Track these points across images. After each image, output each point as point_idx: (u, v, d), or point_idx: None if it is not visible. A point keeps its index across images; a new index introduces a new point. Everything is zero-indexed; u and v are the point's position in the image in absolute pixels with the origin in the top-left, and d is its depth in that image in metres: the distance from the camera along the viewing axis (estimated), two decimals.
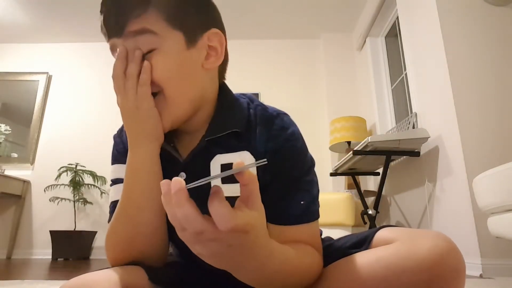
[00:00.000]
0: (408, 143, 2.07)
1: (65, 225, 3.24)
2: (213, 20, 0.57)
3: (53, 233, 3.02)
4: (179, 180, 0.32)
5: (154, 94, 0.52)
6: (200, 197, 0.35)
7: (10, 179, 3.18)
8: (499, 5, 1.97)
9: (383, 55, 3.29)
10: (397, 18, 2.76)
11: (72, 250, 3.01)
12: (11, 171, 3.36)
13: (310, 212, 0.55)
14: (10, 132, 3.52)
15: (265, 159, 0.35)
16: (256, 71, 3.72)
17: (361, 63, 3.52)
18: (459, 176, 1.80)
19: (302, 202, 0.54)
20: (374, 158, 2.33)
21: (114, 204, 0.58)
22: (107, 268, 0.49)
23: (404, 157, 2.40)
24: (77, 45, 3.90)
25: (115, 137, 0.65)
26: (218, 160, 0.55)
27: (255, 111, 0.59)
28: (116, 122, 3.90)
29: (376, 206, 2.20)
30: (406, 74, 2.62)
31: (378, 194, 2.20)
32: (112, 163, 0.63)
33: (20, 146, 3.58)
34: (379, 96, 3.17)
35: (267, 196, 0.54)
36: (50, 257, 3.04)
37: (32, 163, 3.52)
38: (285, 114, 0.60)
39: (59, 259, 2.98)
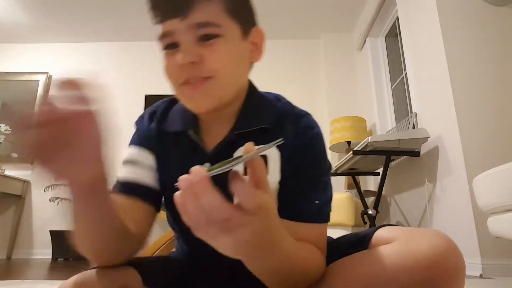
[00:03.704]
0: (408, 143, 2.07)
1: (65, 225, 3.24)
2: (256, 17, 0.60)
3: (53, 233, 3.02)
4: (200, 169, 0.31)
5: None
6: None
7: (10, 179, 3.18)
8: (499, 5, 1.97)
9: (383, 55, 3.29)
10: (397, 18, 2.76)
11: (72, 250, 2.99)
12: (11, 171, 3.36)
13: (322, 214, 0.55)
14: (10, 132, 3.52)
15: (282, 138, 0.33)
16: (256, 70, 3.70)
17: (361, 63, 3.52)
18: (459, 176, 1.80)
19: (317, 202, 0.54)
20: (374, 158, 2.33)
21: (119, 183, 0.57)
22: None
23: (404, 157, 2.40)
24: (77, 45, 3.89)
25: (136, 122, 0.65)
26: (242, 152, 0.55)
27: (283, 108, 0.61)
28: (115, 122, 3.93)
29: (376, 206, 2.20)
30: (406, 74, 2.62)
31: (378, 194, 2.20)
32: (130, 144, 0.61)
33: None
34: (379, 96, 3.17)
35: (285, 190, 0.55)
36: (50, 257, 3.04)
37: (32, 163, 3.51)
38: (310, 114, 0.62)
39: (59, 259, 2.99)
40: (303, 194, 0.54)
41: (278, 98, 0.63)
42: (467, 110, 1.84)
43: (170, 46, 0.52)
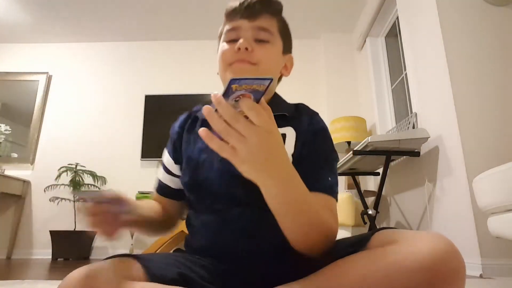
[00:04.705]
0: (408, 143, 2.07)
1: (65, 225, 3.24)
2: (291, 48, 0.83)
3: (53, 233, 3.02)
4: (216, 96, 0.42)
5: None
6: None
7: (10, 179, 3.18)
8: (499, 5, 1.97)
9: (383, 55, 3.29)
10: (397, 18, 2.76)
11: (72, 250, 3.01)
12: (11, 171, 3.36)
13: (334, 191, 0.64)
14: (10, 132, 3.52)
15: (271, 77, 0.42)
16: None
17: (361, 63, 3.52)
18: (459, 176, 1.80)
19: (329, 179, 0.64)
20: (374, 158, 2.33)
21: (158, 182, 0.78)
22: (107, 259, 0.51)
23: (404, 157, 2.40)
24: (77, 45, 3.90)
25: (172, 127, 0.80)
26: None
27: (302, 106, 0.78)
28: (115, 122, 3.87)
29: (376, 206, 2.20)
30: (406, 74, 2.62)
31: (378, 194, 2.20)
32: (165, 148, 0.79)
33: (20, 146, 3.58)
34: (379, 96, 3.17)
35: (301, 168, 0.57)
36: (50, 257, 3.05)
37: (32, 163, 3.52)
38: None
39: (59, 259, 2.99)
40: (316, 171, 0.64)
41: (297, 103, 0.79)
42: (467, 110, 1.84)
43: (231, 40, 0.71)
